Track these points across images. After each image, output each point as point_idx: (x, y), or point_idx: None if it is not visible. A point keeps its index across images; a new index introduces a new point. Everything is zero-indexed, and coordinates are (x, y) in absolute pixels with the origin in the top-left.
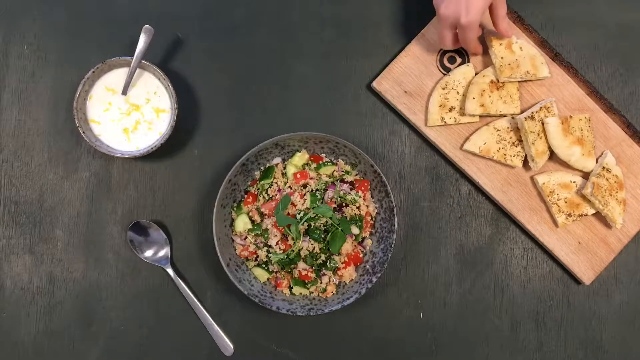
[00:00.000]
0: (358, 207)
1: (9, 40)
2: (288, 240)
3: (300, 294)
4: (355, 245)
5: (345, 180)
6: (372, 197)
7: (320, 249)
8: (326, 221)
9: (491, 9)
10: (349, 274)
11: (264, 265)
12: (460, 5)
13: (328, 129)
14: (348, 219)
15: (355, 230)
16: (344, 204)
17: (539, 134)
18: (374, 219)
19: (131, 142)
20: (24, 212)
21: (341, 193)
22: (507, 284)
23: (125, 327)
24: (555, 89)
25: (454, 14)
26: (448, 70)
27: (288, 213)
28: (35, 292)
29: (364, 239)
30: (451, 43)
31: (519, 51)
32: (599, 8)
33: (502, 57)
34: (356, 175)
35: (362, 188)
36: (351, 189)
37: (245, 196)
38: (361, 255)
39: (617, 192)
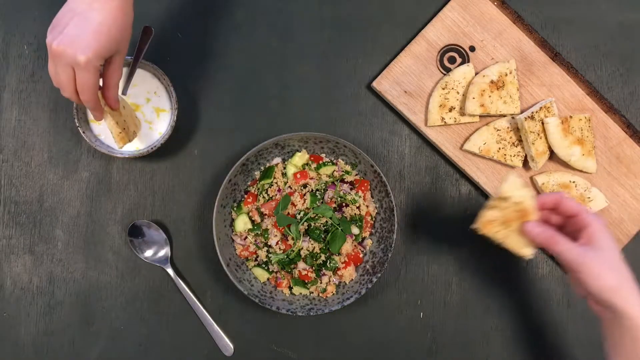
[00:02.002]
0: (358, 207)
1: (9, 40)
2: (288, 240)
3: (300, 293)
4: (355, 245)
5: (345, 180)
6: (372, 197)
7: (320, 249)
8: (326, 221)
9: (106, 66)
10: (349, 274)
11: (264, 265)
12: (79, 39)
13: (328, 129)
14: (348, 219)
15: (355, 230)
16: (344, 204)
17: (539, 134)
18: (374, 219)
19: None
20: (24, 212)
21: (341, 193)
22: (506, 284)
23: (125, 327)
24: (555, 89)
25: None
26: (448, 70)
27: (288, 213)
28: (35, 292)
29: (363, 239)
30: (68, 87)
31: None
32: (599, 8)
33: None
34: (356, 175)
35: (362, 188)
36: (351, 189)
37: (245, 196)
38: (361, 255)
39: (516, 222)
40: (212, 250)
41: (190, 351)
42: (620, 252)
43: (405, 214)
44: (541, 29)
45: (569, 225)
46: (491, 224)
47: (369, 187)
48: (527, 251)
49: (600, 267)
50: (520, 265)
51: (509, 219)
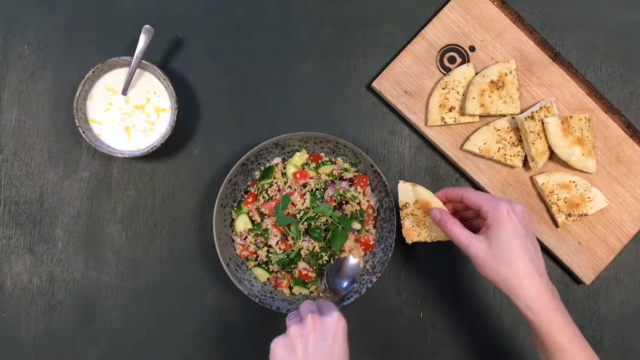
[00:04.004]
0: (358, 203)
1: (9, 40)
2: (288, 240)
3: (301, 293)
4: (359, 237)
5: (344, 177)
6: (372, 191)
7: (320, 248)
8: (326, 220)
9: None
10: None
11: (264, 265)
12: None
13: (328, 129)
14: (348, 216)
15: (357, 225)
16: (344, 202)
17: (539, 134)
18: (376, 212)
19: (131, 142)
20: (24, 212)
21: (341, 191)
22: None
23: (125, 327)
24: (555, 89)
25: None
26: (448, 70)
27: (288, 213)
28: (35, 292)
29: (367, 231)
30: None
31: None
32: (599, 8)
33: None
34: (355, 171)
35: (362, 184)
36: (350, 186)
37: (245, 196)
38: (371, 242)
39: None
40: (212, 250)
41: (190, 351)
42: (526, 244)
43: None
44: (541, 29)
45: (474, 215)
46: (411, 231)
47: (368, 182)
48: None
49: (487, 257)
50: None
51: (420, 220)
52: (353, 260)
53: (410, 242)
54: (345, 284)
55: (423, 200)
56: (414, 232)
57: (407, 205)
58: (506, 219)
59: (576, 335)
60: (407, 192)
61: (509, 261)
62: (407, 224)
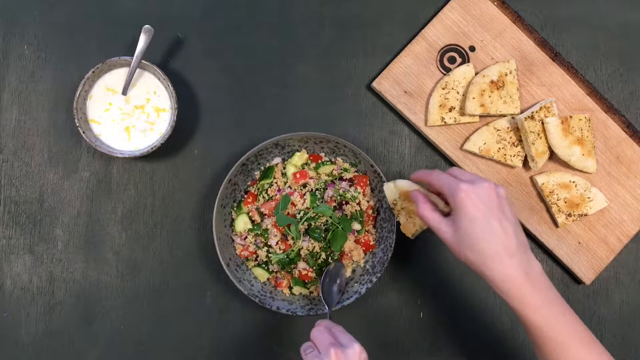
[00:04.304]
0: (358, 203)
1: (9, 40)
2: (288, 240)
3: (300, 293)
4: (359, 237)
5: (344, 177)
6: (371, 192)
7: (320, 248)
8: (326, 220)
9: None
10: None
11: (264, 265)
12: None
13: (328, 129)
14: (348, 216)
15: (356, 226)
16: (344, 202)
17: (539, 134)
18: (376, 212)
19: (131, 142)
20: (24, 212)
21: (341, 191)
22: None
23: (125, 327)
24: (555, 89)
25: None
26: (448, 70)
27: (288, 213)
28: (35, 292)
29: (366, 232)
30: None
31: None
32: (599, 8)
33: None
34: (355, 171)
35: (362, 184)
36: (350, 186)
37: (245, 196)
38: (372, 242)
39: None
40: (212, 250)
41: (190, 351)
42: (490, 225)
43: None
44: (541, 29)
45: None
46: (408, 225)
47: (368, 182)
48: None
49: (453, 241)
50: None
51: (411, 211)
52: (340, 269)
53: (412, 237)
54: (334, 292)
55: (406, 191)
56: (411, 225)
57: (396, 202)
58: (465, 202)
59: (554, 314)
60: (391, 190)
61: (472, 244)
62: (402, 219)
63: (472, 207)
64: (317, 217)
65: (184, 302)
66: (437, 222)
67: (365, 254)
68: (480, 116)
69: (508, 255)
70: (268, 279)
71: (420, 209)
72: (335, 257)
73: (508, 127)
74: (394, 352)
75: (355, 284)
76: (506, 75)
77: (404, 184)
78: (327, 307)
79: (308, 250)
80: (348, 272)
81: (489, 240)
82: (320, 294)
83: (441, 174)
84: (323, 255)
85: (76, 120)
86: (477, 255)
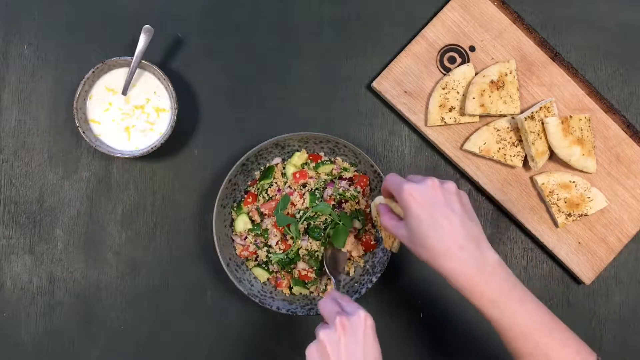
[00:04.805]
0: (357, 203)
1: (9, 40)
2: (288, 240)
3: (300, 293)
4: (360, 236)
5: (344, 177)
6: (371, 191)
7: (320, 248)
8: (325, 219)
9: None
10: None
11: (264, 265)
12: None
13: (328, 129)
14: (348, 214)
15: (357, 224)
16: (343, 201)
17: (539, 134)
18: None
19: (131, 142)
20: (24, 212)
21: (340, 190)
22: None
23: (125, 327)
24: (555, 89)
25: None
26: (448, 70)
27: (288, 213)
28: (35, 292)
29: (367, 231)
30: None
31: None
32: (599, 8)
33: None
34: (355, 171)
35: (361, 184)
36: (350, 185)
37: (245, 196)
38: (372, 242)
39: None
40: (212, 250)
41: (190, 351)
42: (435, 221)
43: None
44: (541, 29)
45: None
46: (389, 239)
47: (367, 182)
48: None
49: (408, 243)
50: (521, 265)
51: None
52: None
53: (396, 251)
54: (340, 264)
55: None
56: (388, 239)
57: (377, 218)
58: (410, 202)
59: (512, 304)
60: (372, 208)
61: (422, 242)
62: (384, 234)
63: (416, 205)
64: (316, 216)
65: (184, 302)
66: (395, 227)
67: (366, 254)
68: (480, 116)
69: (457, 248)
70: (268, 279)
71: (381, 220)
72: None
73: (508, 127)
74: (394, 352)
75: (355, 284)
76: (506, 75)
77: (379, 199)
78: (333, 279)
79: (307, 250)
80: (351, 272)
81: (437, 238)
82: (325, 267)
83: (394, 176)
84: (319, 254)
85: (76, 120)
86: (429, 252)
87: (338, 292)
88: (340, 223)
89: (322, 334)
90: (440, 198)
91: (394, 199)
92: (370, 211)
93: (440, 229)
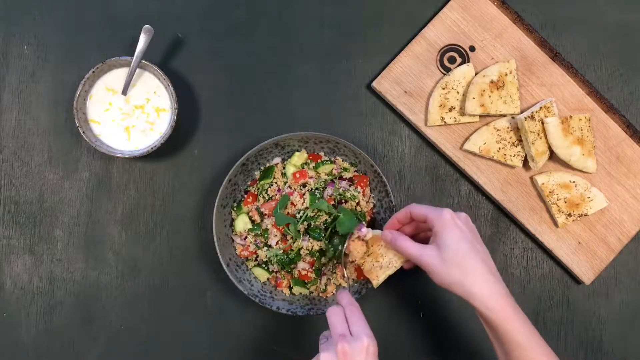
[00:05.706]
0: (358, 203)
1: (9, 40)
2: (288, 240)
3: (300, 293)
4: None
5: (344, 177)
6: (370, 192)
7: (320, 248)
8: (326, 219)
9: None
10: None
11: (264, 265)
12: None
13: (328, 129)
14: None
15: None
16: (343, 201)
17: (539, 134)
18: (373, 214)
19: (131, 142)
20: (24, 212)
21: (340, 190)
22: (507, 283)
23: (125, 327)
24: (555, 89)
25: None
26: (448, 70)
27: (288, 213)
28: (35, 292)
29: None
30: None
31: None
32: (599, 8)
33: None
34: (355, 171)
35: (362, 184)
36: (350, 186)
37: (245, 196)
38: None
39: (380, 250)
40: (212, 250)
41: (190, 351)
42: (474, 246)
43: None
44: (541, 29)
45: (427, 229)
46: (374, 270)
47: (367, 182)
48: (404, 262)
49: (438, 263)
50: (521, 265)
51: (379, 255)
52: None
53: (376, 284)
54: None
55: (372, 240)
56: (378, 269)
57: (369, 254)
58: (451, 223)
59: (533, 334)
60: (358, 247)
61: (460, 262)
62: (367, 265)
63: (457, 228)
64: (316, 216)
65: (184, 302)
66: (419, 249)
67: None
68: (480, 116)
69: (492, 274)
70: (268, 279)
71: (400, 241)
72: (340, 249)
73: (508, 127)
74: (394, 352)
75: (356, 284)
76: (506, 75)
77: (375, 233)
78: (346, 272)
79: (308, 249)
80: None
81: (475, 259)
82: (343, 267)
83: (419, 205)
84: (323, 260)
85: (76, 120)
86: (465, 273)
87: (348, 296)
88: (340, 215)
89: (324, 357)
90: (473, 228)
91: (402, 227)
92: (341, 251)
93: (478, 253)
